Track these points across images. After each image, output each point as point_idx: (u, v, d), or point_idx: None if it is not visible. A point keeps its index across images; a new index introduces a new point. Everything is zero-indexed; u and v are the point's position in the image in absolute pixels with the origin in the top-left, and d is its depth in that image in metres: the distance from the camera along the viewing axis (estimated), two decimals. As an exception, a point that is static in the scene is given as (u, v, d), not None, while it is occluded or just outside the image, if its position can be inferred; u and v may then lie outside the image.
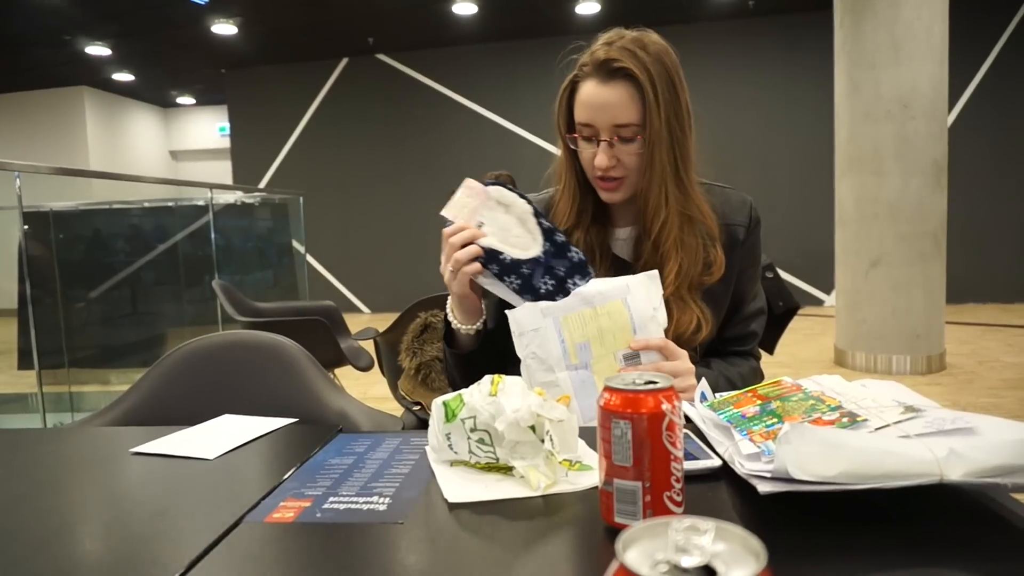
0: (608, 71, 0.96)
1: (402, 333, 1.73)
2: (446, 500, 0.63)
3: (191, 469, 0.77)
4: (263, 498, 0.66)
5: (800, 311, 1.74)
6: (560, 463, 0.67)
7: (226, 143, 9.47)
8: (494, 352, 1.03)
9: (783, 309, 1.67)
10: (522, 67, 7.53)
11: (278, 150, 8.46)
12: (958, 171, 5.23)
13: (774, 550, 0.31)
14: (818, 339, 5.38)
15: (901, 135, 4.18)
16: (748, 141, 7.08)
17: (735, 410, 0.70)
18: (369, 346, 2.91)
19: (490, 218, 0.95)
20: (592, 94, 0.97)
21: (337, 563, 0.54)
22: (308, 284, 6.88)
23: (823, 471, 0.52)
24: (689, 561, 0.31)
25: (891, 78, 4.17)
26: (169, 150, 11.27)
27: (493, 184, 0.96)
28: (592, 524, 0.57)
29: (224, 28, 6.91)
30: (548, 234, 0.96)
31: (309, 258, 7.75)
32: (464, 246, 0.93)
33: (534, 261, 0.95)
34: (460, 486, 0.66)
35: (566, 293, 0.95)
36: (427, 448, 0.75)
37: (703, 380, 0.82)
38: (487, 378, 0.71)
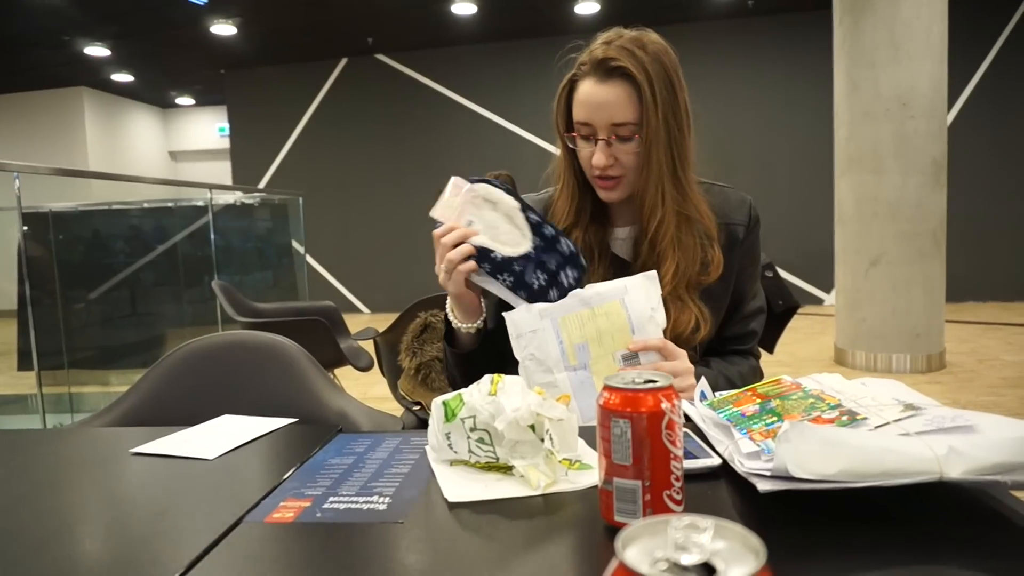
0: (606, 70, 0.96)
1: (402, 333, 1.73)
2: (446, 499, 0.63)
3: (191, 469, 0.77)
4: (263, 498, 0.66)
5: (800, 310, 1.74)
6: (560, 462, 0.67)
7: (225, 143, 9.47)
8: (494, 351, 1.03)
9: (783, 308, 1.67)
10: (521, 67, 7.53)
11: (277, 150, 8.46)
12: (957, 170, 5.23)
13: (773, 548, 0.31)
14: (818, 338, 5.38)
15: (900, 134, 4.18)
16: (747, 140, 7.08)
17: (735, 409, 0.70)
18: (369, 346, 2.91)
19: (478, 216, 0.95)
20: (590, 93, 0.97)
21: (337, 563, 0.54)
22: (308, 284, 6.88)
23: (823, 469, 0.52)
24: (688, 559, 0.31)
25: (890, 77, 4.17)
26: (168, 151, 11.27)
27: (480, 181, 0.96)
28: (592, 523, 0.57)
29: (223, 28, 6.91)
30: (536, 228, 0.96)
31: (309, 258, 7.75)
32: (456, 246, 0.93)
33: (525, 258, 0.95)
34: (460, 485, 0.66)
35: (559, 286, 0.95)
36: (427, 448, 0.75)
37: (703, 379, 0.82)
38: (487, 377, 0.71)
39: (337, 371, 3.25)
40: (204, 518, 0.63)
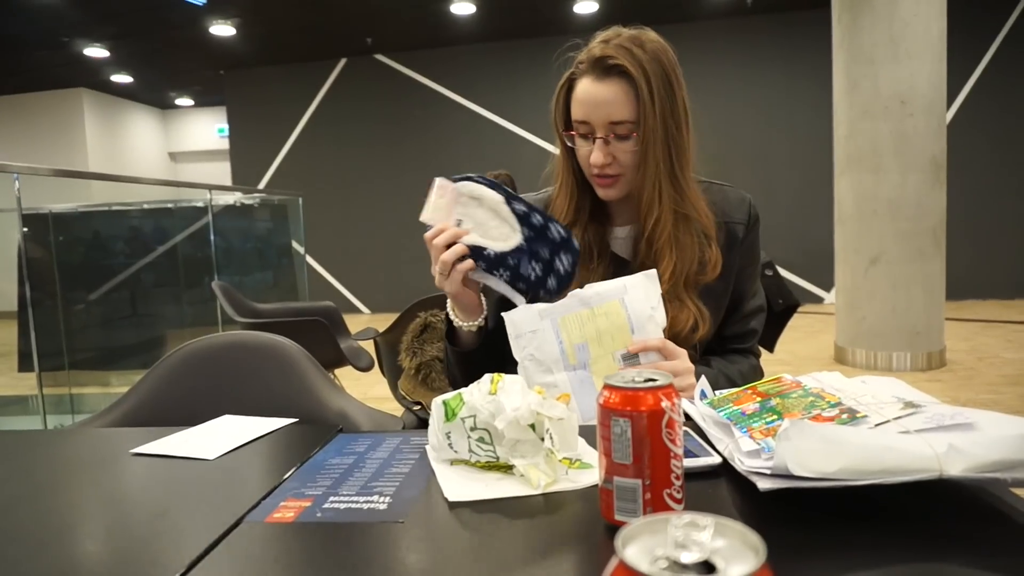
0: (604, 68, 0.96)
1: (402, 333, 1.73)
2: (446, 499, 0.63)
3: (191, 469, 0.77)
4: (263, 498, 0.66)
5: (800, 309, 1.74)
6: (560, 461, 0.67)
7: (225, 144, 9.47)
8: (495, 350, 1.03)
9: (783, 307, 1.66)
10: (521, 67, 7.53)
11: (277, 151, 8.46)
12: (957, 168, 5.23)
13: (773, 546, 0.31)
14: (818, 336, 5.38)
15: (900, 132, 4.18)
16: (747, 139, 7.08)
17: (735, 407, 0.70)
18: (369, 346, 2.91)
19: (467, 215, 0.95)
20: (588, 91, 0.97)
21: (337, 563, 0.54)
22: (308, 285, 6.88)
23: (823, 467, 0.52)
24: (688, 557, 0.31)
25: (889, 75, 4.17)
26: (168, 151, 11.27)
27: (462, 179, 0.96)
28: (592, 522, 0.57)
29: (222, 29, 6.91)
30: (524, 219, 0.96)
31: (308, 259, 7.75)
32: (449, 246, 0.93)
33: (517, 250, 0.95)
34: (460, 485, 0.66)
35: (556, 273, 0.95)
36: (427, 447, 0.75)
37: (703, 378, 0.82)
38: (487, 377, 0.71)
39: (337, 371, 3.25)
40: (204, 518, 0.63)
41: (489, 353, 1.03)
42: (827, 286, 6.92)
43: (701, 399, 0.77)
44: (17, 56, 7.65)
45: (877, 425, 0.61)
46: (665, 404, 0.53)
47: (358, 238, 8.20)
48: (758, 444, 0.60)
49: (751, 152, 7.06)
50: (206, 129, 11.06)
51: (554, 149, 1.10)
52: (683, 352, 0.92)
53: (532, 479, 0.64)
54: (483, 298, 1.04)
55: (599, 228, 1.08)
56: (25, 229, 3.65)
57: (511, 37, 7.54)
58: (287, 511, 0.63)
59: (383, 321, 2.35)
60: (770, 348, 1.67)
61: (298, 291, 6.51)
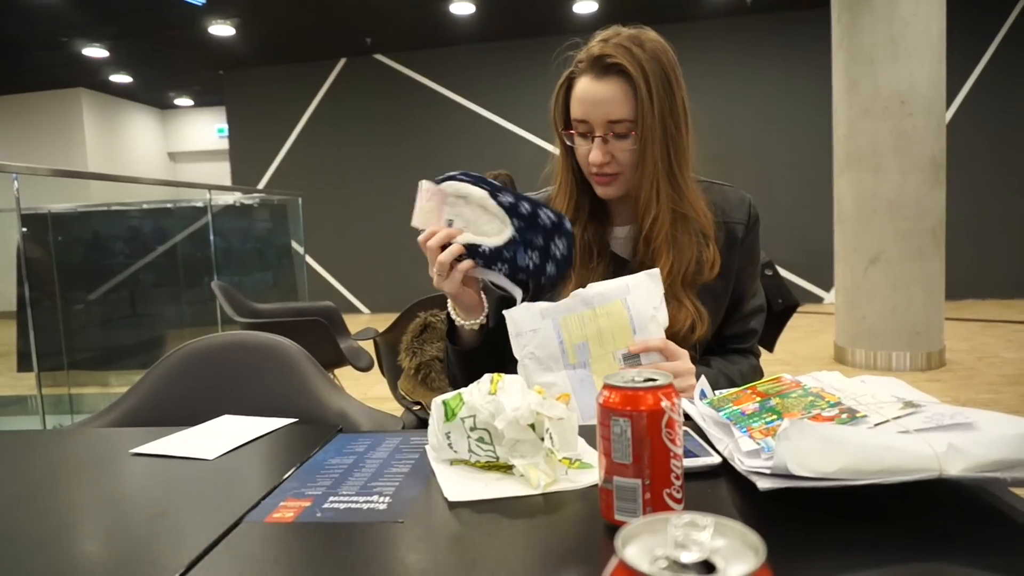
0: (602, 67, 0.96)
1: (402, 333, 1.73)
2: (446, 499, 0.63)
3: (191, 469, 0.77)
4: (263, 498, 0.66)
5: (800, 308, 1.74)
6: (560, 461, 0.67)
7: (224, 144, 9.47)
8: (496, 349, 1.03)
9: (782, 306, 1.66)
10: (520, 66, 7.53)
11: (276, 151, 8.45)
12: (956, 167, 5.23)
13: (773, 546, 0.31)
14: (818, 336, 5.38)
15: (899, 131, 4.19)
16: (746, 138, 7.08)
17: (735, 407, 0.70)
18: (369, 346, 2.91)
19: (456, 214, 0.96)
20: (586, 90, 0.97)
21: (337, 563, 0.54)
22: (307, 285, 6.88)
23: (822, 467, 0.52)
24: (688, 557, 0.31)
25: (889, 74, 4.17)
26: (167, 151, 11.27)
27: (445, 180, 0.96)
28: (592, 522, 0.57)
29: (222, 29, 6.91)
30: (512, 210, 0.96)
31: (308, 259, 7.75)
32: (444, 247, 0.93)
33: (511, 243, 0.95)
34: (460, 485, 0.66)
35: (553, 259, 0.96)
36: (427, 447, 0.75)
37: (703, 377, 0.82)
38: (486, 377, 0.71)
39: (337, 371, 3.25)
40: (204, 518, 0.63)
41: (490, 352, 1.03)
42: (827, 286, 6.92)
43: (701, 399, 0.77)
44: (16, 56, 7.64)
45: (877, 425, 0.61)
46: (665, 404, 0.53)
47: (358, 238, 8.20)
48: (758, 444, 0.60)
49: (751, 152, 7.06)
50: (205, 129, 11.06)
51: (554, 149, 1.10)
52: (684, 353, 0.92)
53: (532, 479, 0.64)
54: (483, 296, 1.04)
55: (599, 227, 1.08)
56: (24, 229, 3.65)
57: (511, 37, 7.54)
58: (287, 511, 0.62)
59: (383, 321, 2.34)
60: (770, 348, 1.67)
61: (298, 291, 6.51)
